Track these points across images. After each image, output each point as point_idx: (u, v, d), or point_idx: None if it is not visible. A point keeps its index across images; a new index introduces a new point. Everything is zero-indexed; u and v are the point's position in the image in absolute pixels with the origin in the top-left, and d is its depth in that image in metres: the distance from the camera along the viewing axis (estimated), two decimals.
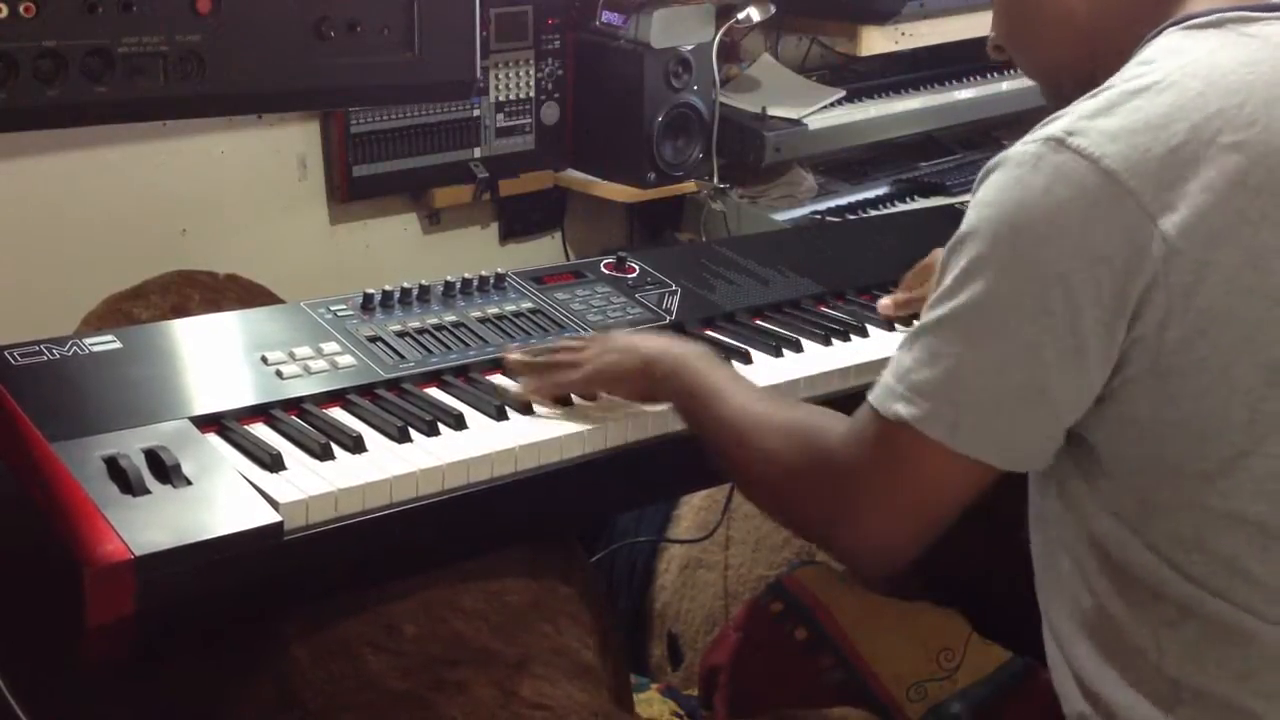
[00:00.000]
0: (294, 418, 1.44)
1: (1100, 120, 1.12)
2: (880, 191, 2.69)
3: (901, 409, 1.16)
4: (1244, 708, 1.14)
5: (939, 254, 1.51)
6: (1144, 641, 1.17)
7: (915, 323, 1.22)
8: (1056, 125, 1.14)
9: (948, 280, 1.16)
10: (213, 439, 1.38)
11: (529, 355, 1.55)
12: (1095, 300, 1.09)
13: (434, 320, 1.65)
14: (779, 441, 1.28)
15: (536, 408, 1.51)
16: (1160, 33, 1.21)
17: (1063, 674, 1.26)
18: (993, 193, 1.14)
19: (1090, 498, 1.19)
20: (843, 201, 2.60)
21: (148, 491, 1.25)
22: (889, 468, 1.18)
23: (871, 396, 1.21)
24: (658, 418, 1.53)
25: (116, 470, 1.27)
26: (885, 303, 1.83)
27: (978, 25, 2.70)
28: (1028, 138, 1.15)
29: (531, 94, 2.37)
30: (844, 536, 1.23)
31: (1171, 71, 1.14)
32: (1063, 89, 1.29)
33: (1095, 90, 1.17)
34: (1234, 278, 1.09)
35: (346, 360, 1.55)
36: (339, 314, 1.63)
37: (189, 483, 1.28)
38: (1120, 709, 1.19)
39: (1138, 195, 1.09)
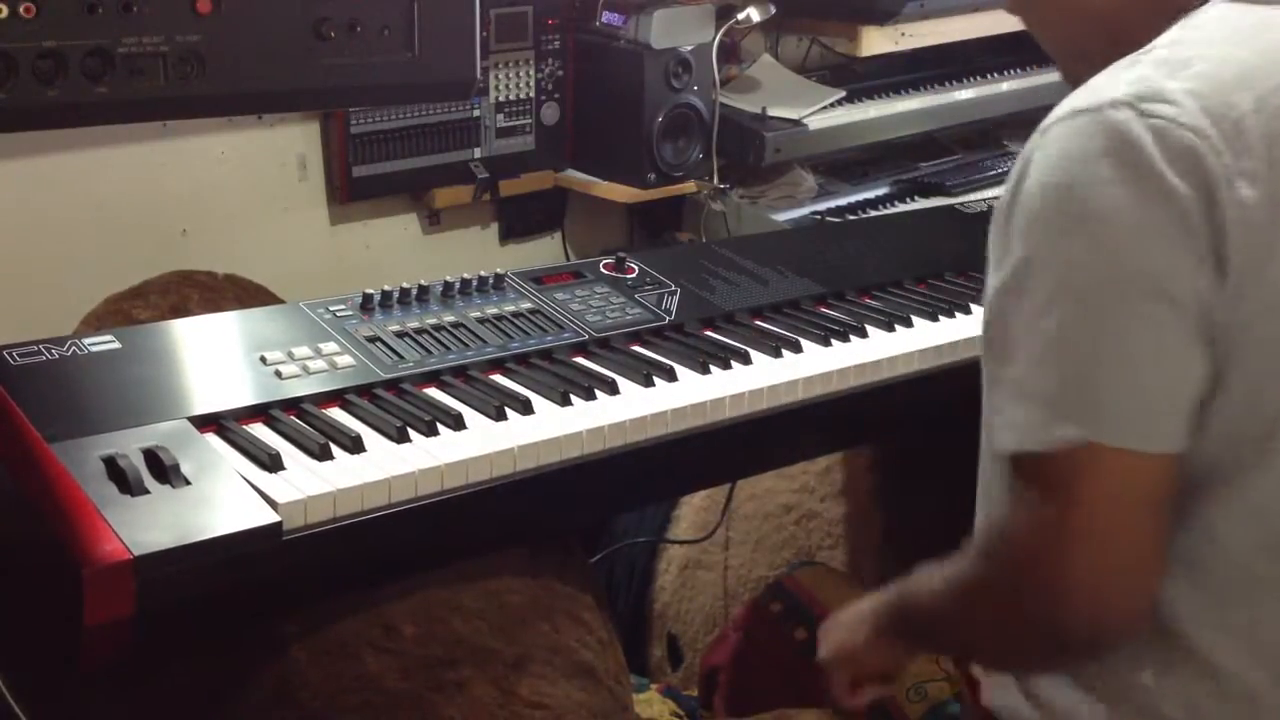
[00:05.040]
0: (293, 418, 1.44)
1: (1169, 84, 1.07)
2: (880, 191, 2.69)
3: (1064, 432, 1.04)
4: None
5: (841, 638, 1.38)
6: None
7: (989, 336, 1.13)
8: (1120, 89, 1.08)
9: (1019, 267, 1.08)
10: (212, 439, 1.38)
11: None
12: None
13: (433, 320, 1.66)
14: (961, 583, 1.16)
15: (536, 407, 1.51)
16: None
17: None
18: (1052, 163, 1.08)
19: None
20: (843, 201, 2.60)
21: (146, 491, 1.25)
22: (1076, 506, 1.05)
23: (1009, 443, 1.09)
24: (657, 418, 1.53)
25: (115, 470, 1.27)
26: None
27: (978, 25, 2.70)
28: (1081, 104, 1.09)
29: (531, 94, 2.37)
30: (1081, 605, 1.06)
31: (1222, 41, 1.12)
32: (1076, 71, 1.27)
33: (1136, 55, 1.13)
34: None
35: (345, 360, 1.55)
36: (338, 314, 1.64)
37: (188, 483, 1.28)
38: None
39: (1219, 156, 1.05)
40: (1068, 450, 1.04)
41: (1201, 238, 1.04)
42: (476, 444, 1.43)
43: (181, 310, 1.74)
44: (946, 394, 1.69)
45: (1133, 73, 1.10)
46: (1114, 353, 1.04)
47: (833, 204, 2.58)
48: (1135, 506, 1.06)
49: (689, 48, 2.35)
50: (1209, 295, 1.05)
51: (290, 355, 1.53)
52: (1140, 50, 1.14)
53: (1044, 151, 1.10)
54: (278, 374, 1.50)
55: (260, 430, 1.43)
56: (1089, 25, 1.25)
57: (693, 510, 2.35)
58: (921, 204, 2.60)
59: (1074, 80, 1.23)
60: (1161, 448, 1.06)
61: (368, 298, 1.66)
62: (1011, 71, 2.88)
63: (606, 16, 2.34)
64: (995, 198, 2.38)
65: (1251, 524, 1.11)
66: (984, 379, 1.17)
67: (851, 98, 2.63)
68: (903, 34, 2.61)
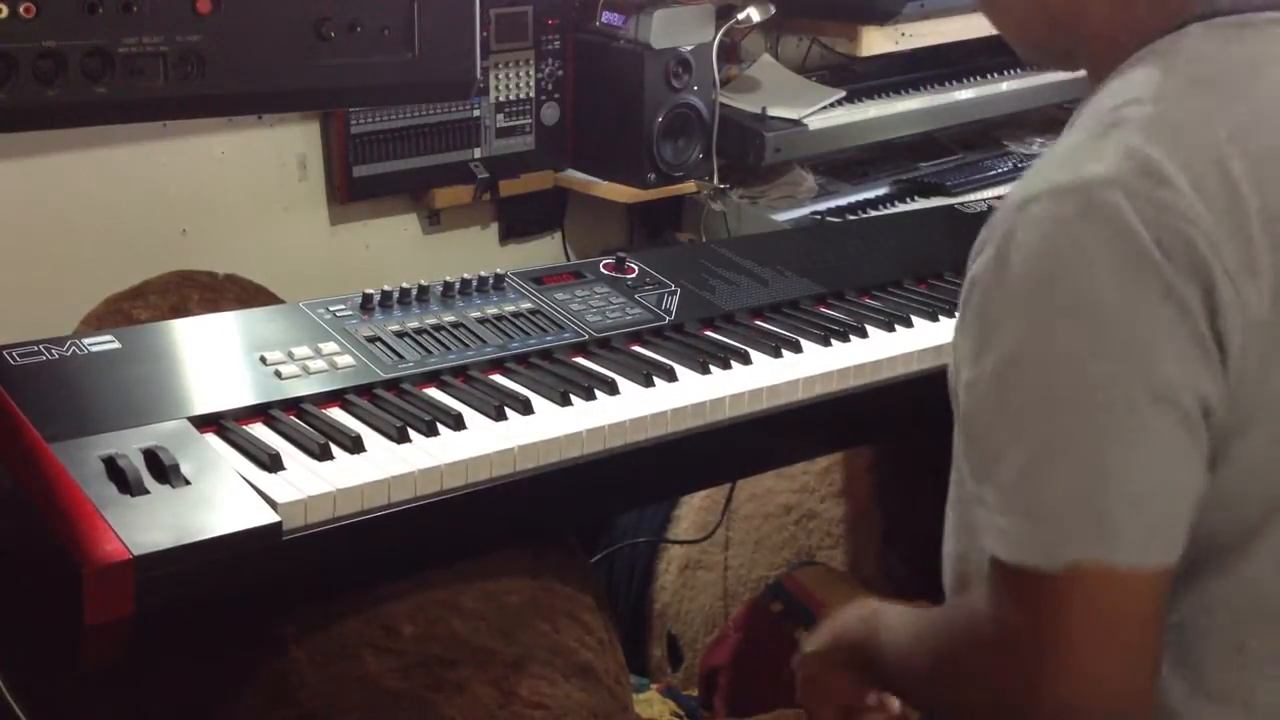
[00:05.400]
0: (292, 418, 1.45)
1: (1157, 156, 1.00)
2: (880, 191, 2.69)
3: (1066, 552, 0.97)
4: None
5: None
6: None
7: (969, 430, 1.05)
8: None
9: (1006, 361, 1.00)
10: (211, 439, 1.38)
11: None
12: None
13: (433, 320, 1.66)
14: (932, 652, 1.13)
15: (536, 407, 1.51)
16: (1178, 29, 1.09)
17: None
18: (1038, 247, 1.00)
19: None
20: (843, 201, 2.60)
21: (146, 491, 1.25)
22: (1069, 622, 0.98)
23: (1002, 552, 1.01)
24: (657, 418, 1.53)
25: (115, 470, 1.27)
26: None
27: (978, 25, 2.68)
28: (1063, 180, 1.01)
29: (531, 94, 2.37)
30: (1064, 714, 1.00)
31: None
32: (1034, 59, 1.25)
33: (1118, 109, 1.04)
34: None
35: (345, 360, 1.55)
36: (338, 314, 1.64)
37: (188, 483, 1.28)
38: None
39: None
40: (1068, 569, 0.97)
41: (1204, 336, 0.98)
42: (476, 444, 1.43)
43: (181, 310, 1.74)
44: (947, 394, 1.69)
45: (1118, 141, 1.01)
46: (1120, 463, 0.97)
47: (833, 204, 2.58)
48: (1130, 621, 1.00)
49: (689, 48, 2.35)
50: (1211, 394, 0.99)
51: (290, 355, 1.53)
52: (1117, 98, 1.05)
53: (1027, 233, 1.01)
54: (278, 374, 1.50)
55: (260, 430, 1.43)
56: (1047, 25, 1.19)
57: (693, 510, 2.35)
58: (921, 204, 2.60)
59: (1033, 63, 1.20)
60: (1162, 561, 0.99)
61: (368, 298, 1.66)
62: (1011, 71, 2.88)
63: (606, 16, 2.34)
64: (996, 198, 2.39)
65: (1243, 596, 1.06)
66: (961, 461, 1.09)
67: (851, 98, 2.63)
68: (903, 34, 2.61)
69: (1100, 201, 0.98)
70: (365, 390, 1.52)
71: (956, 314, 1.12)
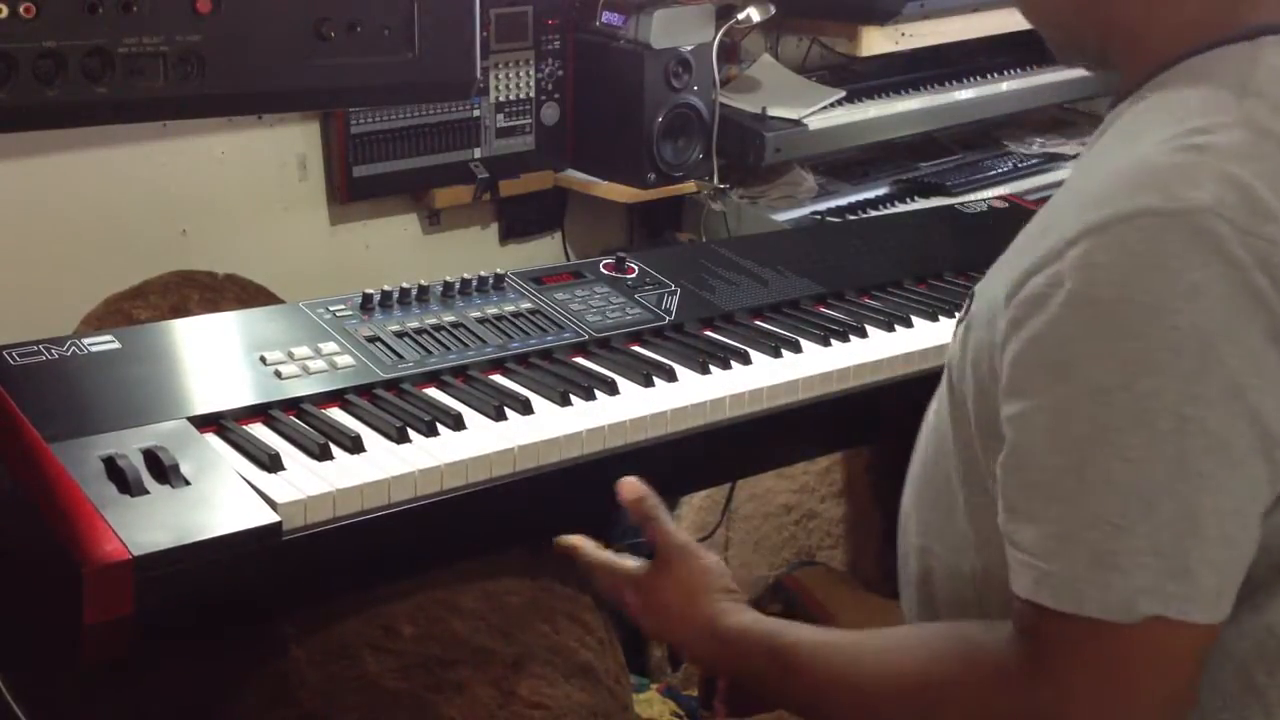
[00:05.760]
0: (292, 418, 1.44)
1: (1260, 190, 0.93)
2: (880, 191, 2.69)
3: (1147, 607, 0.91)
4: None
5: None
6: None
7: (1016, 462, 0.97)
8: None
9: (1094, 394, 0.92)
10: (211, 439, 1.38)
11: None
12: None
13: (433, 320, 1.66)
14: (918, 687, 1.04)
15: (536, 407, 1.51)
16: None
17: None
18: (1132, 273, 0.93)
19: None
20: (843, 201, 2.60)
21: (146, 492, 1.25)
22: (1126, 679, 0.93)
23: (1050, 595, 0.94)
24: (657, 418, 1.53)
25: (115, 470, 1.27)
26: None
27: (978, 25, 2.70)
28: (1154, 204, 0.93)
29: (531, 94, 2.37)
30: None
31: None
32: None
33: (1209, 123, 0.97)
34: None
35: (345, 360, 1.55)
36: (338, 314, 1.64)
37: (187, 483, 1.28)
38: None
39: None
40: (1146, 622, 0.91)
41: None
42: (476, 444, 1.43)
43: (181, 310, 1.75)
44: None
45: (1213, 167, 0.94)
46: (1213, 515, 0.91)
47: (833, 204, 2.58)
48: (1189, 676, 0.95)
49: (689, 48, 2.35)
50: None
51: (290, 355, 1.53)
52: (1194, 117, 0.98)
53: (1113, 256, 0.93)
54: (277, 374, 1.50)
55: (260, 430, 1.43)
56: (1076, 17, 1.12)
57: (693, 510, 2.35)
58: (921, 204, 2.60)
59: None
60: (1224, 616, 0.94)
61: (368, 298, 1.66)
62: (1011, 71, 2.88)
63: (606, 16, 2.34)
64: (996, 198, 2.39)
65: (1255, 642, 1.02)
66: (994, 483, 1.02)
67: (851, 98, 2.63)
68: (903, 34, 2.61)
69: (1206, 230, 0.91)
70: (365, 390, 1.52)
71: (981, 330, 1.06)
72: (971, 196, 2.52)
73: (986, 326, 1.05)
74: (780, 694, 1.16)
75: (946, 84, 2.82)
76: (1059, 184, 1.19)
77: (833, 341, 1.75)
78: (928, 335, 1.81)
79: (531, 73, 2.36)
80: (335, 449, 1.38)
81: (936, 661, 1.04)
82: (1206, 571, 0.92)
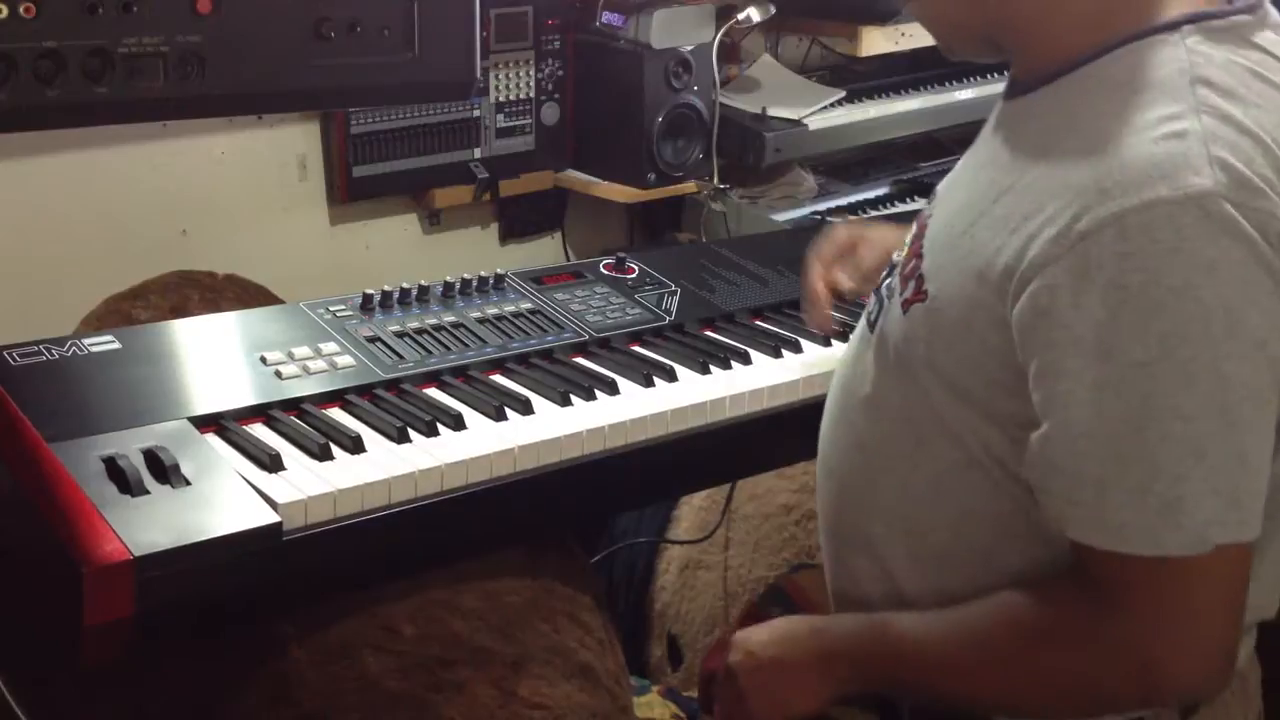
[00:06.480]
0: (293, 418, 1.44)
1: (1258, 166, 1.06)
2: (880, 191, 2.69)
3: (1219, 534, 1.06)
4: None
5: (842, 230, 1.57)
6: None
7: (1077, 433, 1.08)
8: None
9: (1147, 369, 1.04)
10: (212, 439, 1.38)
11: None
12: None
13: (433, 321, 1.66)
14: (1033, 632, 1.16)
15: (536, 407, 1.51)
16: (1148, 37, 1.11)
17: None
18: (1168, 259, 1.04)
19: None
20: (843, 202, 2.60)
21: (146, 492, 1.25)
22: (1210, 596, 1.09)
23: (1133, 543, 1.07)
24: (657, 418, 1.53)
25: (115, 470, 1.27)
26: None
27: None
28: (1163, 194, 1.03)
29: (531, 94, 2.37)
30: (1191, 677, 1.12)
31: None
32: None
33: (1198, 103, 1.07)
34: None
35: (345, 361, 1.55)
36: (338, 314, 1.64)
37: (188, 483, 1.28)
38: None
39: None
40: (1215, 551, 1.06)
41: None
42: (476, 444, 1.43)
43: (181, 310, 1.74)
44: None
45: (1201, 152, 1.04)
46: (1256, 451, 1.07)
47: (833, 204, 2.58)
48: (1244, 588, 1.11)
49: (689, 48, 2.35)
50: None
51: (290, 355, 1.53)
52: (1156, 106, 1.07)
53: (1134, 244, 1.03)
54: (278, 374, 1.50)
55: (260, 430, 1.43)
56: (990, 20, 1.22)
57: (693, 510, 2.35)
58: (921, 204, 2.60)
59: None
60: (1260, 533, 1.10)
61: (368, 298, 1.66)
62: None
63: (606, 16, 2.34)
64: None
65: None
66: (978, 444, 1.17)
67: (851, 98, 2.63)
68: (903, 34, 2.61)
69: (1214, 212, 1.02)
70: (365, 390, 1.52)
71: (960, 308, 1.16)
72: None
73: (968, 306, 1.15)
74: (882, 688, 1.26)
75: (946, 84, 2.82)
76: None
77: (833, 341, 1.75)
78: None
79: (531, 73, 2.36)
80: (336, 449, 1.38)
81: (1042, 633, 1.15)
82: (1251, 498, 1.07)
